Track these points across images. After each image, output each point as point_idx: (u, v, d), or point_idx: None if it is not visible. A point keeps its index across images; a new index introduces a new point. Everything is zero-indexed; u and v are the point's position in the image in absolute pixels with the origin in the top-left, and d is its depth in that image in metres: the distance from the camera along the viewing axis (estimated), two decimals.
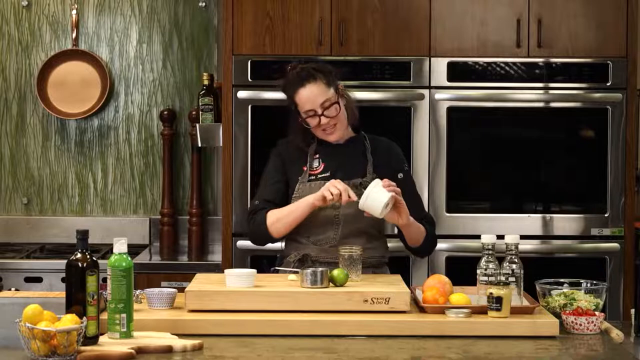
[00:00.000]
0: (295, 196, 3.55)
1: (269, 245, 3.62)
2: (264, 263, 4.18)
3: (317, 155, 3.60)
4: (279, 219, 3.50)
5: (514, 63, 4.62)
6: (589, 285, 3.30)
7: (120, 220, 5.32)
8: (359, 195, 3.38)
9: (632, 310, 3.16)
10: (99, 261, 2.86)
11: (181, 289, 3.19)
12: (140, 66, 5.32)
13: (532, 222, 4.64)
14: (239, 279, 3.14)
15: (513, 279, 3.13)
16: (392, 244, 3.82)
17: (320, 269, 3.15)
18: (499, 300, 2.98)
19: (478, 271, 3.15)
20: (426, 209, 4.36)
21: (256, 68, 4.61)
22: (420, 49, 4.61)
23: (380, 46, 4.60)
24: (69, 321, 2.64)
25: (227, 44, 4.61)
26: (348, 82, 3.74)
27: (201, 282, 3.25)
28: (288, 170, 3.61)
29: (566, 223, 4.65)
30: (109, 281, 2.82)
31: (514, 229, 4.38)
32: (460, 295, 3.14)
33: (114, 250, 2.83)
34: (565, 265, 4.59)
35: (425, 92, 4.61)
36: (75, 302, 2.78)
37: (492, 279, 3.12)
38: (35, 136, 5.31)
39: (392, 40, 4.60)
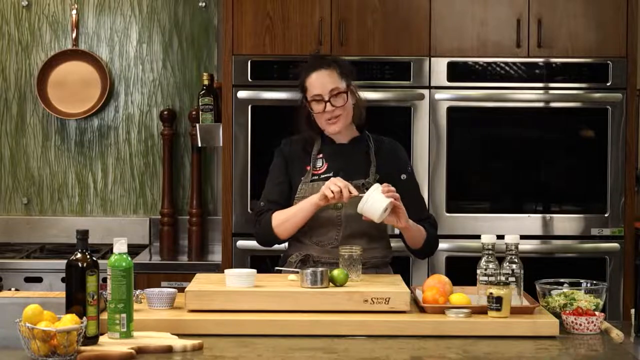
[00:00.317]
0: (298, 196, 3.55)
1: (278, 245, 3.63)
2: (267, 263, 4.17)
3: (321, 155, 3.61)
4: (284, 220, 3.51)
5: (514, 63, 4.62)
6: (589, 285, 3.30)
7: (120, 220, 5.32)
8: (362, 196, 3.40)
9: (632, 310, 3.16)
10: (99, 261, 2.86)
11: (181, 289, 3.19)
12: (140, 66, 5.32)
13: (532, 222, 4.64)
14: (239, 279, 3.14)
15: (513, 279, 3.13)
16: (392, 243, 3.82)
17: (320, 269, 3.15)
18: (499, 300, 2.98)
19: (478, 271, 3.15)
20: (430, 212, 4.38)
21: (256, 68, 4.61)
22: (420, 49, 4.61)
23: (380, 46, 4.60)
24: (69, 321, 2.64)
25: (227, 44, 4.61)
26: None
27: (201, 282, 3.24)
28: (291, 169, 3.61)
29: (566, 223, 4.65)
30: (109, 281, 2.82)
31: (514, 229, 4.38)
32: (460, 295, 3.14)
33: (114, 250, 2.83)
34: (565, 265, 4.59)
35: (425, 92, 4.61)
36: (75, 302, 2.78)
37: (492, 279, 3.12)
38: (35, 136, 5.31)
39: (392, 40, 4.60)
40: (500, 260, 3.15)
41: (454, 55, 4.61)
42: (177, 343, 2.78)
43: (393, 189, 3.37)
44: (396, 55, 4.61)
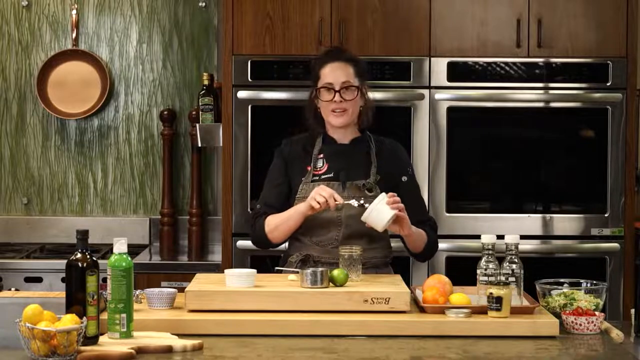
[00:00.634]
0: (299, 196, 3.55)
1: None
2: (268, 263, 4.18)
3: (322, 155, 3.61)
4: (275, 227, 3.53)
5: (514, 63, 4.62)
6: (589, 285, 3.30)
7: (120, 220, 5.32)
8: (359, 196, 3.40)
9: (632, 310, 3.16)
10: (99, 261, 2.86)
11: (181, 289, 3.19)
12: (140, 66, 5.32)
13: (532, 222, 4.64)
14: (239, 279, 3.14)
15: (513, 279, 3.13)
16: (392, 244, 3.82)
17: (320, 269, 3.15)
18: (499, 300, 2.98)
19: (478, 271, 3.15)
20: (430, 214, 4.38)
21: (256, 68, 4.61)
22: (420, 49, 4.61)
23: (380, 46, 4.60)
24: (69, 321, 2.64)
25: (227, 44, 4.61)
26: None
27: (201, 282, 3.24)
28: (291, 170, 3.62)
29: (566, 223, 4.65)
30: (109, 281, 2.81)
31: (514, 229, 4.38)
32: (460, 295, 3.14)
33: (114, 250, 2.83)
34: (565, 265, 4.59)
35: (425, 92, 4.61)
36: (75, 302, 2.78)
37: (492, 279, 3.12)
38: (35, 136, 5.31)
39: (392, 40, 4.60)
40: (500, 260, 3.15)
41: (454, 55, 4.61)
42: (177, 343, 2.78)
43: (398, 199, 3.37)
44: (396, 55, 4.61)
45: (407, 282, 3.35)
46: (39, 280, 4.66)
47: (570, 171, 4.67)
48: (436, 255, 4.52)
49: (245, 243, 4.54)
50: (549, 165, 4.67)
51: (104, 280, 2.81)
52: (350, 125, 3.61)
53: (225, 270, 3.21)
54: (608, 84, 4.62)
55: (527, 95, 4.62)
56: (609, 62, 4.62)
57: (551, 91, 4.64)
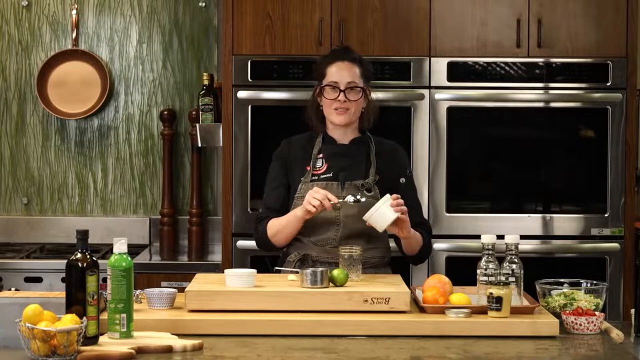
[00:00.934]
0: (298, 196, 3.55)
1: None
2: (267, 262, 4.18)
3: (321, 155, 3.61)
4: (277, 231, 3.56)
5: (514, 63, 4.62)
6: (589, 285, 3.30)
7: (120, 220, 5.32)
8: (357, 196, 3.40)
9: (632, 310, 3.16)
10: (99, 261, 2.86)
11: (181, 289, 3.19)
12: (140, 66, 5.32)
13: (532, 222, 4.64)
14: (239, 279, 3.14)
15: (513, 279, 3.13)
16: (390, 244, 3.82)
17: (320, 269, 3.15)
18: (499, 300, 2.98)
19: (478, 271, 3.15)
20: (425, 213, 4.38)
21: (256, 68, 4.61)
22: (420, 49, 4.61)
23: (380, 46, 4.60)
24: (69, 321, 2.64)
25: (227, 44, 4.61)
26: None
27: (201, 282, 3.24)
28: (290, 170, 3.62)
29: (566, 223, 4.65)
30: (109, 281, 2.82)
31: (514, 229, 4.38)
32: (460, 295, 3.14)
33: (114, 250, 2.83)
34: (565, 265, 4.59)
35: (425, 92, 4.61)
36: (75, 302, 2.78)
37: (492, 279, 3.12)
38: (35, 136, 5.31)
39: (392, 40, 4.60)
40: (500, 260, 3.15)
41: (454, 55, 4.61)
42: (177, 343, 2.78)
43: (402, 201, 3.37)
44: (396, 55, 4.61)
45: (407, 282, 3.35)
46: (39, 280, 4.66)
47: (570, 171, 4.67)
48: (436, 255, 4.54)
49: (245, 243, 4.54)
50: (549, 165, 4.66)
51: (104, 280, 2.81)
52: (351, 125, 3.61)
53: (225, 270, 3.21)
54: (608, 84, 4.62)
55: (527, 95, 4.62)
56: (609, 62, 4.62)
57: (551, 91, 4.64)
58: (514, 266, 3.14)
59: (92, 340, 2.76)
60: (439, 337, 2.95)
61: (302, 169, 3.60)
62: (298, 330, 2.96)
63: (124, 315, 2.81)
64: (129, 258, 2.84)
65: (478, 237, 3.23)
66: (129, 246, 2.89)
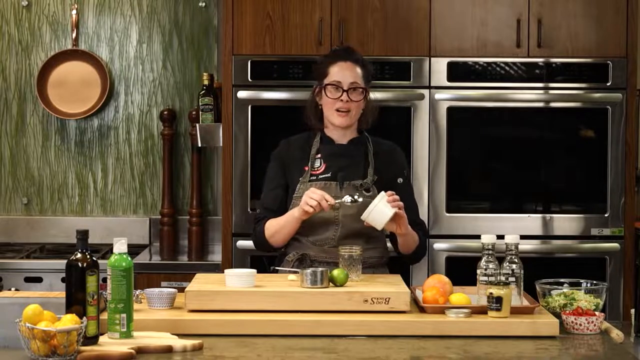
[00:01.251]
0: (297, 196, 3.55)
1: None
2: (264, 262, 4.18)
3: (319, 155, 3.61)
4: (274, 232, 3.56)
5: (514, 63, 4.62)
6: (589, 285, 3.30)
7: (120, 220, 5.32)
8: (354, 196, 3.40)
9: (632, 310, 3.16)
10: (99, 261, 2.86)
11: (181, 289, 3.19)
12: (140, 66, 5.32)
13: (532, 222, 4.64)
14: (239, 279, 3.14)
15: (513, 279, 3.13)
16: (390, 244, 3.82)
17: (320, 269, 3.15)
18: (499, 300, 2.98)
19: (478, 271, 3.15)
20: (425, 213, 4.39)
21: (256, 68, 4.61)
22: (420, 49, 4.61)
23: (380, 46, 4.60)
24: (69, 321, 2.64)
25: (227, 44, 4.61)
26: None
27: (201, 282, 3.24)
28: (289, 170, 3.62)
29: (566, 223, 4.65)
30: (109, 281, 2.82)
31: (514, 229, 4.38)
32: (460, 295, 3.14)
33: (114, 250, 2.83)
34: (565, 265, 4.59)
35: (425, 92, 4.61)
36: (75, 302, 2.78)
37: (492, 279, 3.12)
38: (35, 136, 5.31)
39: (392, 40, 4.60)
40: (500, 260, 3.15)
41: (454, 55, 4.61)
42: (177, 343, 2.78)
43: (398, 197, 3.37)
44: (396, 55, 4.61)
45: (407, 282, 3.35)
46: (39, 280, 4.66)
47: (570, 171, 4.67)
48: (436, 255, 4.54)
49: (245, 243, 4.53)
50: (549, 165, 4.66)
51: (104, 280, 2.81)
52: (350, 126, 3.61)
53: (225, 270, 3.21)
54: (608, 84, 4.62)
55: (527, 95, 4.62)
56: (609, 62, 4.62)
57: (551, 91, 4.64)
58: (514, 266, 3.14)
59: (92, 340, 2.76)
60: (439, 337, 2.95)
61: (301, 169, 3.60)
62: (298, 330, 2.96)
63: (124, 315, 2.81)
64: (129, 258, 2.84)
65: (478, 237, 3.23)
66: (129, 246, 2.89)
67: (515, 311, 3.04)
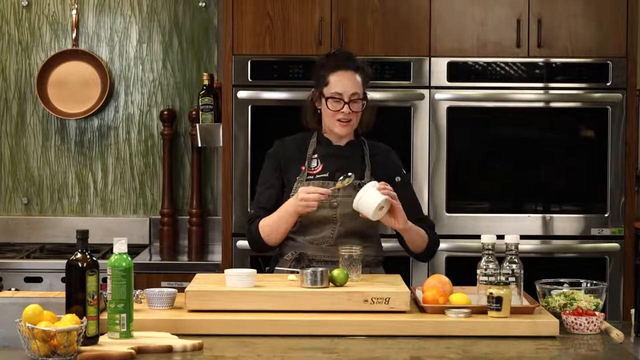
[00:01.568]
0: (293, 194, 3.54)
1: None
2: (260, 262, 4.19)
3: (316, 156, 3.61)
4: (270, 230, 3.54)
5: (514, 63, 4.62)
6: (589, 285, 3.30)
7: (120, 220, 5.32)
8: (354, 196, 3.41)
9: (632, 310, 3.16)
10: (99, 261, 2.86)
11: (181, 289, 3.19)
12: (140, 66, 5.32)
13: (532, 222, 4.64)
14: (239, 279, 3.14)
15: (513, 279, 3.13)
16: (390, 243, 3.82)
17: (320, 269, 3.15)
18: (499, 300, 2.98)
19: (478, 271, 3.15)
20: (425, 212, 4.38)
21: (256, 68, 4.61)
22: (420, 49, 4.61)
23: (380, 46, 4.60)
24: (69, 321, 2.64)
25: (227, 44, 4.61)
26: None
27: (201, 282, 3.24)
28: (285, 170, 3.61)
29: (566, 223, 4.65)
30: (109, 281, 2.81)
31: (514, 229, 4.38)
32: (460, 295, 3.14)
33: (114, 250, 2.83)
34: (565, 265, 4.59)
35: (425, 92, 4.61)
36: (75, 302, 2.78)
37: (492, 279, 3.12)
38: (35, 136, 5.31)
39: (392, 40, 4.60)
40: (500, 260, 3.15)
41: (454, 55, 4.61)
42: (177, 343, 2.78)
43: (390, 187, 3.37)
44: (396, 55, 4.61)
45: (407, 282, 3.35)
46: (39, 280, 4.66)
47: (570, 171, 4.67)
48: (436, 255, 4.53)
49: (245, 243, 4.50)
50: (549, 165, 4.67)
51: (104, 280, 2.81)
52: (351, 132, 3.61)
53: (225, 270, 3.21)
54: (608, 84, 4.62)
55: (527, 95, 4.62)
56: (609, 62, 4.62)
57: (551, 91, 4.64)
58: (514, 266, 3.14)
59: (92, 340, 2.76)
60: (439, 337, 2.95)
61: (298, 168, 3.60)
62: (298, 330, 2.96)
63: (124, 315, 2.81)
64: (129, 258, 2.84)
65: (478, 237, 3.22)
66: (129, 246, 2.89)
67: (515, 311, 3.04)
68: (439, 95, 4.60)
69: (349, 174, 3.45)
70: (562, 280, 3.31)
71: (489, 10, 4.62)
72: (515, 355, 2.78)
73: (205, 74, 4.98)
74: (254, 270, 3.20)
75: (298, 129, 3.70)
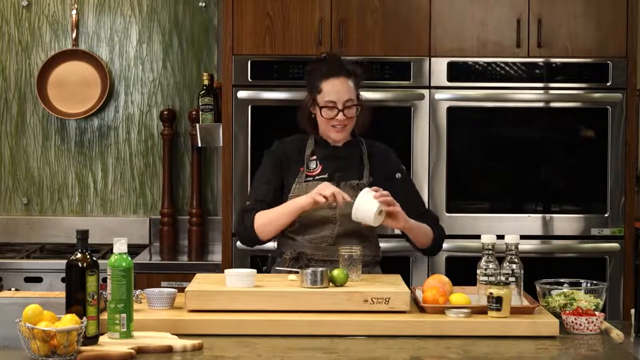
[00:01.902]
0: (292, 195, 3.54)
1: (268, 245, 3.63)
2: (258, 262, 4.19)
3: (314, 157, 3.60)
4: (266, 222, 3.51)
5: (514, 63, 4.62)
6: (589, 285, 3.30)
7: (120, 220, 5.32)
8: (355, 197, 3.41)
9: (632, 310, 3.16)
10: (99, 261, 2.86)
11: (181, 289, 3.19)
12: (140, 66, 5.32)
13: (532, 222, 4.64)
14: (239, 279, 3.14)
15: (513, 279, 3.13)
16: (390, 243, 3.83)
17: (320, 269, 3.15)
18: (499, 300, 2.98)
19: (478, 271, 3.15)
20: (427, 207, 4.36)
21: (256, 68, 4.61)
22: (420, 49, 4.61)
23: (380, 46, 4.60)
24: (69, 321, 2.64)
25: (227, 44, 4.61)
26: None
27: (201, 282, 3.24)
28: (284, 170, 3.61)
29: (566, 223, 4.65)
30: (109, 281, 2.82)
31: (514, 229, 4.38)
32: (460, 295, 3.14)
33: (114, 250, 2.83)
34: (565, 265, 4.59)
35: (425, 92, 4.61)
36: (75, 302, 2.78)
37: (492, 279, 3.12)
38: (35, 136, 5.31)
39: (392, 40, 4.60)
40: (500, 260, 3.15)
41: (454, 55, 4.61)
42: (177, 343, 2.78)
43: (385, 192, 3.36)
44: (396, 55, 4.61)
45: (407, 282, 3.35)
46: (39, 280, 4.66)
47: (570, 171, 4.67)
48: (436, 255, 4.53)
49: None
50: (549, 165, 4.67)
51: (104, 280, 2.81)
52: (347, 136, 3.61)
53: (225, 270, 3.21)
54: (608, 84, 4.62)
55: (527, 95, 4.62)
56: (609, 62, 4.62)
57: (551, 91, 4.64)
58: (514, 266, 3.14)
59: (92, 340, 2.76)
60: (439, 337, 2.95)
61: (296, 169, 3.59)
62: (298, 330, 2.96)
63: (124, 315, 2.81)
64: (129, 258, 2.84)
65: (478, 237, 3.22)
66: (129, 246, 2.89)
67: (515, 311, 3.04)
68: (439, 95, 4.60)
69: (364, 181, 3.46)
70: (562, 280, 3.31)
71: (489, 10, 4.62)
72: (515, 355, 2.78)
73: (205, 74, 4.98)
74: (254, 270, 3.20)
75: (298, 129, 3.70)
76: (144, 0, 5.30)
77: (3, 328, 2.92)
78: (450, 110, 4.61)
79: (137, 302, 3.14)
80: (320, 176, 3.56)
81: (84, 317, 2.72)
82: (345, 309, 3.05)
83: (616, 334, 2.98)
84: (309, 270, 3.14)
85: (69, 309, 2.77)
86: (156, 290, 3.16)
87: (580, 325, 3.03)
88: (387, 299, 3.05)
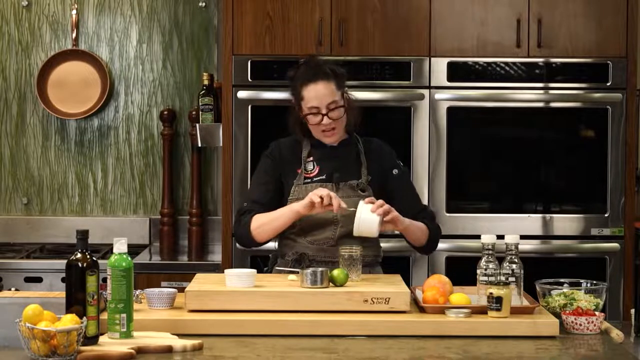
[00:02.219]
0: (292, 198, 3.54)
1: (269, 245, 3.62)
2: (259, 262, 4.18)
3: (311, 158, 3.59)
4: (262, 224, 3.50)
5: (514, 63, 4.62)
6: (589, 285, 3.30)
7: (120, 220, 5.32)
8: (356, 197, 3.40)
9: (632, 310, 3.16)
10: (99, 261, 2.86)
11: (181, 289, 3.19)
12: (140, 66, 5.32)
13: (532, 222, 4.64)
14: (239, 279, 3.14)
15: (513, 279, 3.13)
16: (390, 243, 3.83)
17: (320, 269, 3.15)
18: (499, 300, 2.98)
19: (478, 271, 3.15)
20: (425, 203, 4.37)
21: (256, 68, 4.61)
22: (420, 49, 4.61)
23: (380, 46, 4.60)
24: (69, 321, 2.64)
25: (227, 44, 4.61)
26: (348, 82, 3.73)
27: (201, 282, 3.24)
28: (282, 172, 3.60)
29: (566, 223, 4.65)
30: (109, 281, 2.82)
31: (514, 229, 4.38)
32: (460, 295, 3.14)
33: (114, 250, 2.83)
34: (565, 265, 4.59)
35: (425, 92, 4.61)
36: (75, 302, 2.78)
37: (492, 279, 3.12)
38: (35, 136, 5.31)
39: (392, 40, 4.60)
40: (500, 260, 3.15)
41: (454, 55, 4.61)
42: (177, 343, 2.78)
43: (380, 202, 3.36)
44: (396, 55, 4.61)
45: (407, 282, 3.35)
46: (39, 280, 4.66)
47: (570, 171, 4.67)
48: (436, 255, 4.54)
49: None
50: (549, 165, 4.67)
51: (104, 280, 2.81)
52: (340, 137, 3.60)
53: (225, 270, 3.21)
54: (608, 84, 4.62)
55: (527, 95, 4.62)
56: (609, 62, 4.62)
57: (551, 91, 4.64)
58: (514, 266, 3.14)
59: (92, 340, 2.76)
60: (439, 337, 2.95)
61: (294, 171, 3.58)
62: (298, 330, 2.96)
63: (124, 315, 2.81)
64: (129, 258, 2.84)
65: (478, 237, 3.22)
66: (129, 246, 2.89)
67: (515, 311, 3.04)
68: (439, 95, 4.60)
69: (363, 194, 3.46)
70: (562, 280, 3.31)
71: (489, 10, 4.62)
72: (515, 355, 2.78)
73: (205, 74, 4.98)
74: (254, 270, 3.20)
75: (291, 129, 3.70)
76: (144, 0, 5.30)
77: (3, 328, 2.92)
78: (450, 110, 4.61)
79: (137, 302, 3.14)
80: (319, 177, 3.56)
81: (84, 317, 2.72)
82: (345, 309, 3.05)
83: (616, 334, 2.98)
84: (309, 271, 3.14)
85: (69, 309, 2.77)
86: (156, 290, 3.16)
87: (580, 325, 3.03)
88: (387, 299, 3.05)
